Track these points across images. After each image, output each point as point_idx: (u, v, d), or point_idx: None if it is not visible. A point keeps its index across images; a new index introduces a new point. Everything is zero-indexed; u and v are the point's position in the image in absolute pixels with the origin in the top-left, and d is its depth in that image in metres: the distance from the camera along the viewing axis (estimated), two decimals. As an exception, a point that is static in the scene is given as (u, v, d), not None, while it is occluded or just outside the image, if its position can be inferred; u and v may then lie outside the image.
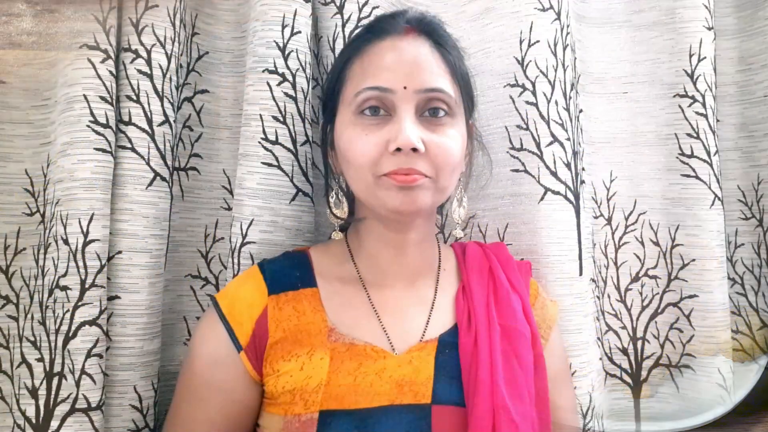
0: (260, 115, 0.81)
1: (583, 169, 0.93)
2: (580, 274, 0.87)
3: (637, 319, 1.00)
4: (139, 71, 0.78)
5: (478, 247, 0.80)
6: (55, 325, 0.72)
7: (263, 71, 0.82)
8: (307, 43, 0.85)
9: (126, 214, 0.76)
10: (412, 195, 0.66)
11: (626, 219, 1.01)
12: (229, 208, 0.91)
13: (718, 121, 1.01)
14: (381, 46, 0.69)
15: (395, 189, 0.65)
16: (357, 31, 0.87)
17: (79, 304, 0.72)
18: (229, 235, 0.85)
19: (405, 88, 0.66)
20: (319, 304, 0.70)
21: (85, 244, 0.73)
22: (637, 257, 1.01)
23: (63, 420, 0.71)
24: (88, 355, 0.72)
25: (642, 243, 1.00)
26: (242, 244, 0.80)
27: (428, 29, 0.71)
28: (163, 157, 0.79)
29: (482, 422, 0.63)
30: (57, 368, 0.72)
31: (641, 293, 1.00)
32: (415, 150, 0.64)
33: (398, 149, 0.64)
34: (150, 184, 0.78)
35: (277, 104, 0.82)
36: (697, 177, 0.96)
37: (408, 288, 0.74)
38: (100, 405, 0.72)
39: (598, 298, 0.98)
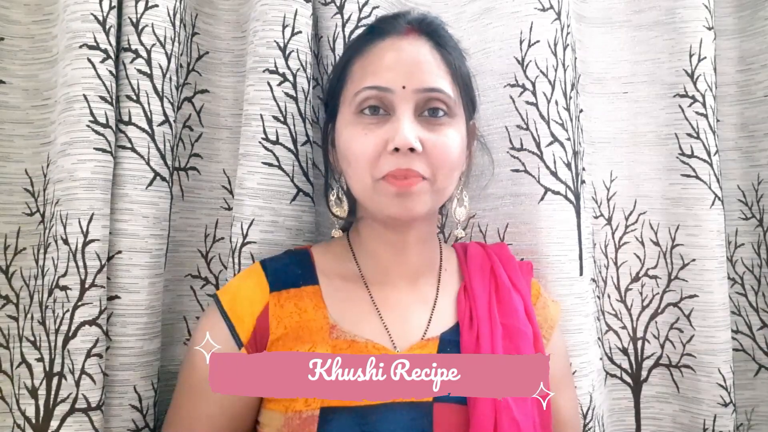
0: (261, 115, 0.81)
1: (583, 169, 0.93)
2: (581, 274, 0.87)
3: (637, 319, 1.00)
4: (139, 71, 0.78)
5: (479, 247, 0.80)
6: (55, 325, 0.72)
7: (264, 71, 0.82)
8: (308, 43, 0.85)
9: (126, 214, 0.76)
10: (410, 202, 0.66)
11: (626, 219, 1.01)
12: (229, 208, 0.91)
13: (718, 121, 1.01)
14: (381, 46, 0.69)
15: (392, 195, 0.66)
16: (359, 32, 0.87)
17: (79, 304, 0.72)
18: (229, 235, 0.85)
19: (404, 87, 0.66)
20: (321, 301, 0.70)
21: (85, 244, 0.73)
22: (637, 257, 1.01)
23: (63, 420, 0.70)
24: (88, 355, 0.72)
25: (642, 243, 1.00)
26: (243, 244, 0.80)
27: (429, 30, 0.71)
28: (163, 157, 0.79)
29: (484, 420, 0.63)
30: (57, 368, 0.72)
31: (641, 293, 1.00)
32: (412, 150, 0.64)
33: (396, 149, 0.64)
34: (150, 184, 0.78)
35: (277, 104, 0.82)
36: (697, 177, 0.96)
37: (409, 287, 0.74)
38: (99, 405, 0.72)
39: (599, 298, 0.98)
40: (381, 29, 0.71)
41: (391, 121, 0.67)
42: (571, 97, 0.91)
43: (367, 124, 0.67)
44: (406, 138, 0.64)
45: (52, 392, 0.71)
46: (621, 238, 1.01)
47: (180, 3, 0.83)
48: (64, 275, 0.72)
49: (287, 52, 0.83)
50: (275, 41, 0.82)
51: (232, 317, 0.69)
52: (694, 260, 0.96)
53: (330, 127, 0.75)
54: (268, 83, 0.82)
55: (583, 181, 0.91)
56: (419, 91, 0.67)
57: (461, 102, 0.71)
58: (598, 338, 0.95)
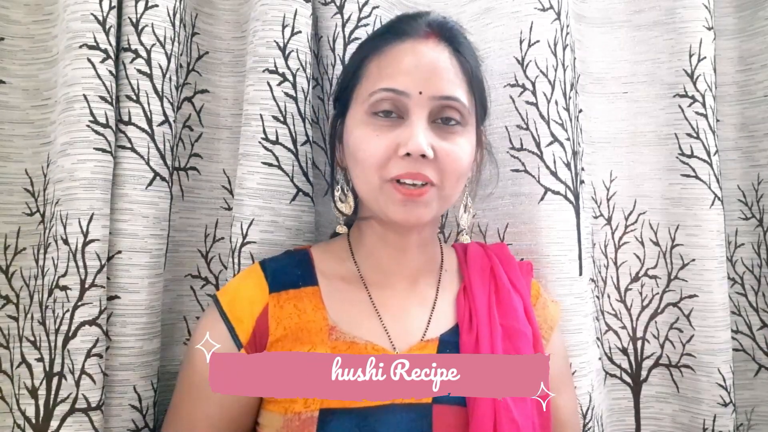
0: (260, 115, 0.81)
1: (583, 169, 0.93)
2: (580, 274, 0.87)
3: (637, 319, 1.00)
4: (139, 71, 0.78)
5: (479, 248, 0.80)
6: (55, 325, 0.72)
7: (264, 71, 0.82)
8: (308, 43, 0.85)
9: (126, 214, 0.76)
10: (416, 210, 0.66)
11: (626, 219, 1.01)
12: (229, 208, 0.91)
13: (718, 121, 1.01)
14: (400, 48, 0.69)
15: (399, 202, 0.66)
16: (359, 32, 0.87)
17: (79, 304, 0.72)
18: (229, 235, 0.85)
19: (420, 93, 0.66)
20: (320, 302, 0.70)
21: (85, 244, 0.73)
22: (637, 257, 1.01)
23: (63, 420, 0.71)
24: (88, 355, 0.72)
25: (642, 243, 1.01)
26: (242, 244, 0.80)
27: (449, 35, 0.71)
28: (163, 157, 0.79)
29: (483, 421, 0.63)
30: (57, 368, 0.72)
31: (641, 293, 1.00)
32: (423, 156, 0.64)
33: (408, 154, 0.64)
34: (150, 184, 0.78)
35: (277, 104, 0.82)
36: (697, 177, 0.96)
37: (409, 288, 0.74)
38: (99, 405, 0.72)
39: (598, 298, 0.98)
40: (400, 29, 0.71)
41: (404, 125, 0.66)
42: (570, 97, 0.91)
43: (380, 126, 0.67)
44: (419, 144, 0.64)
45: (52, 392, 0.71)
46: (621, 238, 1.01)
47: (180, 3, 0.83)
48: (64, 275, 0.72)
49: (287, 52, 0.83)
50: (275, 41, 0.82)
51: (231, 318, 0.69)
52: (693, 260, 0.96)
53: (339, 122, 0.75)
54: (268, 83, 0.82)
55: (582, 181, 0.92)
56: (435, 98, 0.67)
57: (474, 110, 0.71)
58: (598, 338, 0.95)
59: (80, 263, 0.72)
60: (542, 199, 0.87)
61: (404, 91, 0.66)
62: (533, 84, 0.89)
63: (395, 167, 0.65)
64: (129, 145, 0.77)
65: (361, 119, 0.68)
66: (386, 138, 0.66)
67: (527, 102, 0.89)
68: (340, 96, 0.75)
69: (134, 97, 0.77)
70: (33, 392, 0.72)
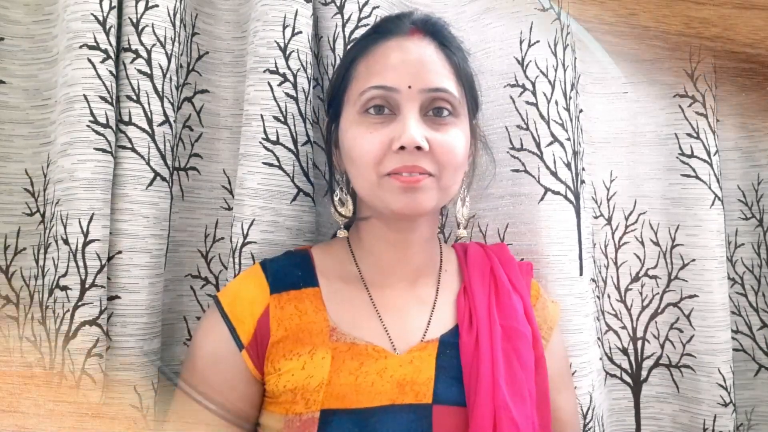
0: (261, 115, 0.81)
1: (583, 169, 0.93)
2: (581, 274, 0.87)
3: (637, 319, 1.00)
4: (139, 71, 0.78)
5: (479, 248, 0.80)
6: (55, 325, 0.72)
7: (264, 71, 0.82)
8: (308, 44, 0.85)
9: (126, 214, 0.76)
10: (416, 197, 0.66)
11: (626, 219, 1.01)
12: (229, 208, 0.91)
13: (718, 121, 1.01)
14: (386, 46, 0.69)
15: (398, 191, 0.65)
16: (359, 32, 0.87)
17: (79, 304, 0.72)
18: (229, 235, 0.85)
19: (410, 87, 0.66)
20: (321, 303, 0.70)
21: (85, 244, 0.73)
22: (637, 257, 1.01)
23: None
24: (88, 355, 0.72)
25: (642, 243, 1.00)
26: (243, 244, 0.80)
27: (433, 30, 0.71)
28: (163, 157, 0.79)
29: (483, 422, 0.63)
30: (57, 368, 0.72)
31: (641, 293, 1.00)
32: (419, 148, 0.65)
33: (402, 147, 0.64)
34: (150, 184, 0.78)
35: (278, 104, 0.82)
36: (697, 177, 0.96)
37: (409, 288, 0.74)
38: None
39: (598, 298, 0.98)
40: (385, 29, 0.71)
41: (396, 121, 0.67)
42: (571, 97, 0.91)
43: (372, 123, 0.67)
44: (413, 137, 0.64)
45: (53, 392, 0.71)
46: (621, 238, 1.01)
47: (180, 3, 0.83)
48: (65, 275, 0.72)
49: (288, 53, 0.83)
50: (275, 41, 0.82)
51: (232, 319, 0.69)
52: (694, 260, 0.96)
53: (333, 128, 0.75)
54: (269, 83, 0.82)
55: (582, 181, 0.92)
56: (425, 91, 0.67)
57: (465, 102, 0.72)
58: (598, 338, 0.95)
59: (80, 263, 0.72)
60: (542, 199, 0.87)
61: (393, 87, 0.66)
62: (533, 84, 0.89)
63: (391, 162, 0.66)
64: (129, 145, 0.77)
65: (353, 120, 0.69)
66: (379, 134, 0.66)
67: (527, 102, 0.89)
68: (332, 101, 0.76)
69: (134, 97, 0.77)
70: (33, 392, 0.72)
